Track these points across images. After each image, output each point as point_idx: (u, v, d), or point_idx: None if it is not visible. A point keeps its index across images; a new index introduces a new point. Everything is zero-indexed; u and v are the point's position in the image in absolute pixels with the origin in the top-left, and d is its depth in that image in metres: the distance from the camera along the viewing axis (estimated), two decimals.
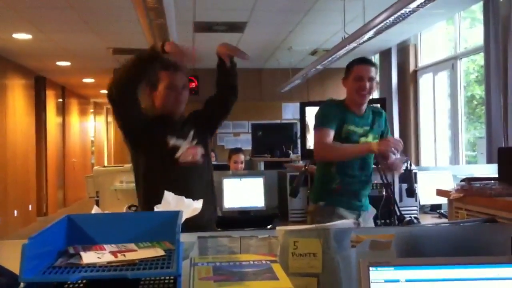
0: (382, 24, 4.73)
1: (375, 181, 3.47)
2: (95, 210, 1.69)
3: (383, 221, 3.43)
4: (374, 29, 4.95)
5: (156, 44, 2.52)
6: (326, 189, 3.07)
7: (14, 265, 1.18)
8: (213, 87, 2.88)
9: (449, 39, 7.59)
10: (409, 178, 3.60)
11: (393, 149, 2.90)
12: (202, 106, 2.91)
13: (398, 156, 2.95)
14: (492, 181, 2.83)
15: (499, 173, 2.89)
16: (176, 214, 1.40)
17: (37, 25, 6.83)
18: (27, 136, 10.28)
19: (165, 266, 1.18)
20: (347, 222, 1.50)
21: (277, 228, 1.49)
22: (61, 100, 13.10)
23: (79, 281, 1.27)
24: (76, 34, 7.35)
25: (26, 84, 10.31)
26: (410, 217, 3.58)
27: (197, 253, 1.56)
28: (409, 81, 8.33)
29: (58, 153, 12.60)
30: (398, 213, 3.00)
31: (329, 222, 1.62)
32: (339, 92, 11.22)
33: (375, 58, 9.47)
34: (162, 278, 1.29)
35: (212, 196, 2.84)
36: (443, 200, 3.44)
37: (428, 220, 4.09)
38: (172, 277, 1.25)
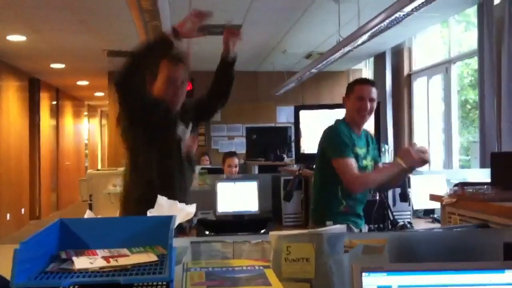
0: (376, 27, 4.74)
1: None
2: (88, 214, 1.69)
3: (376, 225, 3.43)
4: (369, 32, 4.97)
5: (166, 33, 2.49)
6: (333, 212, 3.04)
7: (5, 270, 1.18)
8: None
9: (443, 42, 7.62)
10: (402, 182, 3.60)
11: (420, 155, 2.84)
12: (193, 104, 2.92)
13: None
14: (485, 186, 2.84)
15: (492, 178, 2.90)
16: (169, 218, 1.40)
17: (31, 27, 6.81)
18: (21, 139, 10.24)
19: (158, 272, 1.19)
20: (340, 227, 1.49)
21: (270, 233, 1.49)
22: (55, 102, 13.06)
23: (71, 287, 1.27)
24: (70, 36, 7.33)
25: (20, 86, 10.27)
26: (403, 221, 3.59)
27: (190, 258, 1.55)
28: (403, 84, 8.35)
29: (52, 156, 12.56)
30: (391, 218, 3.01)
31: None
32: (334, 96, 11.19)
33: (370, 62, 9.50)
34: (155, 283, 1.29)
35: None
36: (436, 205, 3.45)
37: (421, 224, 4.10)
38: (164, 283, 1.25)
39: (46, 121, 12.01)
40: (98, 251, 1.33)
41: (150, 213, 1.61)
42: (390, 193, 3.94)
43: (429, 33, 7.88)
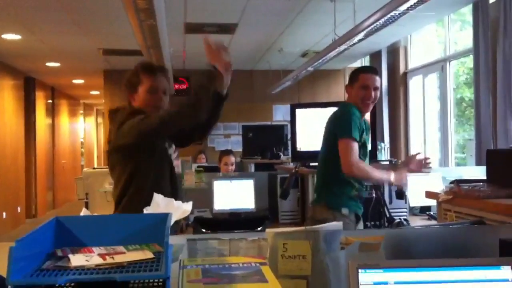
0: (372, 26, 4.75)
1: (365, 183, 3.48)
2: (84, 212, 1.69)
3: (372, 223, 3.44)
4: (365, 31, 4.97)
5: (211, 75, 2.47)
6: (347, 195, 3.05)
7: (1, 268, 1.17)
8: None
9: (439, 41, 7.63)
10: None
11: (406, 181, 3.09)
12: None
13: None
14: (481, 183, 2.85)
15: (487, 175, 2.91)
16: (165, 216, 1.40)
17: (26, 26, 6.80)
18: (16, 138, 10.22)
19: (154, 269, 1.18)
20: (336, 224, 1.49)
21: (267, 230, 1.49)
22: (50, 101, 13.03)
23: (67, 284, 1.26)
24: (66, 35, 7.32)
25: (15, 85, 10.25)
26: (400, 219, 3.59)
27: (186, 255, 1.55)
28: (399, 83, 8.37)
29: (48, 155, 12.53)
30: (388, 215, 3.01)
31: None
32: (330, 94, 11.19)
33: (366, 60, 9.50)
34: (151, 280, 1.29)
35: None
36: (432, 202, 3.46)
37: (417, 222, 4.11)
38: (161, 280, 1.25)
39: (41, 120, 11.99)
40: (94, 248, 1.33)
41: (146, 210, 1.61)
42: (386, 190, 3.96)
43: (425, 31, 7.89)
